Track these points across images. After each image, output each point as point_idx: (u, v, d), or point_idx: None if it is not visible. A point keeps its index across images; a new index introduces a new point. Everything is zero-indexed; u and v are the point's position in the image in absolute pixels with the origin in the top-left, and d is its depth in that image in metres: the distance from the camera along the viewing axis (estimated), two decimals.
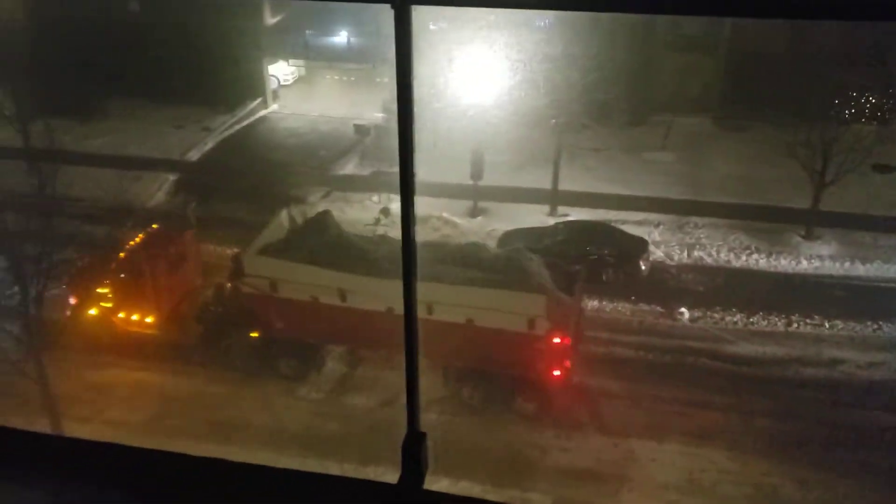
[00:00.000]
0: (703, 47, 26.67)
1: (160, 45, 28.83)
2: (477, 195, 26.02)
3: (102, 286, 19.19)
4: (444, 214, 25.61)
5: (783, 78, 24.32)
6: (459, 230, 25.39)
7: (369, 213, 26.19)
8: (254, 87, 33.06)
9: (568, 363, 17.53)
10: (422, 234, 27.57)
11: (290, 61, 34.43)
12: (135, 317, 19.44)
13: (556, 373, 17.45)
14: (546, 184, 25.96)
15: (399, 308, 3.05)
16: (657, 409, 18.19)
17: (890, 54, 23.71)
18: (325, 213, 20.68)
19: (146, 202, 26.25)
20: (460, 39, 23.72)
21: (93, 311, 19.36)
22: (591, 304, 21.74)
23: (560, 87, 24.11)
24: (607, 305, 21.86)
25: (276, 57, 33.62)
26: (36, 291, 16.88)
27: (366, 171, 28.37)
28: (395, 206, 26.29)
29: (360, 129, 28.91)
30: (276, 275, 18.33)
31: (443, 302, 16.37)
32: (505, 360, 17.38)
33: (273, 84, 33.84)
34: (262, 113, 33.19)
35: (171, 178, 27.90)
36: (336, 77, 34.84)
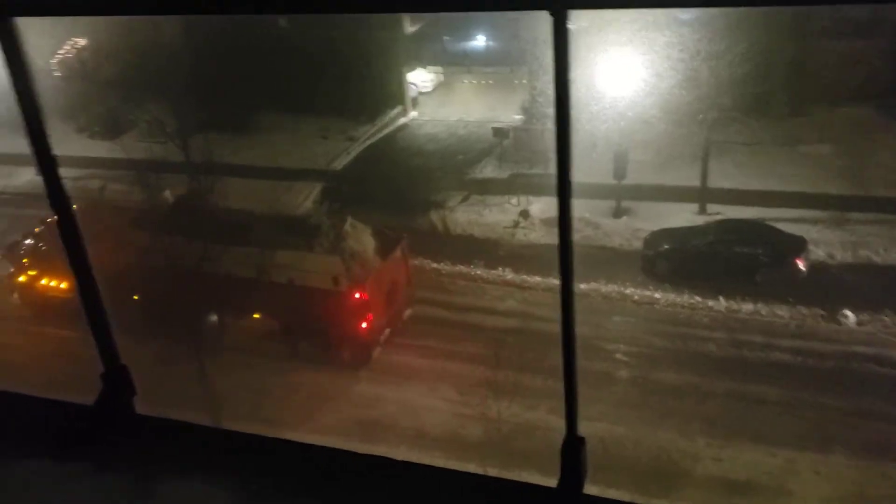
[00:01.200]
0: (866, 32, 24.78)
1: (307, 60, 30.02)
2: (620, 194, 25.37)
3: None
4: (586, 215, 25.13)
5: None
6: (602, 231, 24.86)
7: (508, 215, 26.16)
8: (394, 95, 33.79)
9: (371, 316, 20.00)
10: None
11: (429, 68, 34.96)
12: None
13: (363, 325, 20.01)
14: (694, 181, 24.96)
15: None
16: (821, 418, 17.01)
17: None
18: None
19: (295, 210, 27.36)
20: (603, 40, 23.21)
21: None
22: (746, 307, 20.71)
23: (708, 81, 23.15)
24: (762, 308, 20.74)
25: (414, 65, 34.24)
26: None
27: (504, 174, 28.31)
28: (534, 207, 26.11)
29: (499, 132, 28.90)
30: None
31: (274, 265, 19.77)
32: (322, 315, 19.86)
33: (412, 91, 34.47)
34: (403, 120, 33.86)
35: (319, 186, 28.95)
36: (474, 81, 35.07)
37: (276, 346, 20.44)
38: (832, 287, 21.11)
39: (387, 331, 20.71)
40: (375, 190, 27.28)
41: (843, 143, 25.94)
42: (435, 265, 24.10)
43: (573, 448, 2.77)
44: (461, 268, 23.92)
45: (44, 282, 22.42)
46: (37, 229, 22.58)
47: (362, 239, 20.85)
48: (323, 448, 2.94)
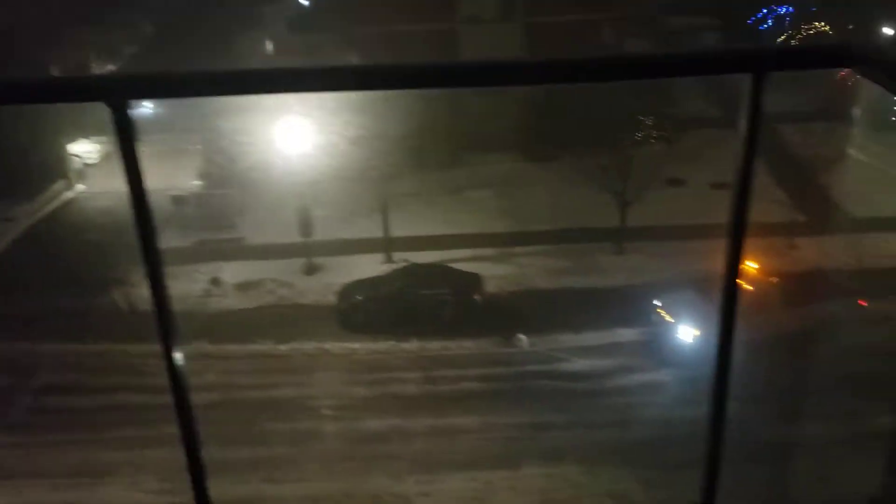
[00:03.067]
0: (501, 90, 28.32)
1: None
2: (309, 252, 25.96)
3: None
4: (279, 276, 25.35)
5: (578, 109, 26.26)
6: (296, 290, 25.18)
7: (198, 284, 25.39)
8: (56, 169, 31.29)
9: None
10: (256, 299, 27.03)
11: (92, 138, 32.90)
12: None
13: None
14: (377, 233, 26.36)
15: None
16: (508, 436, 18.82)
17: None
18: None
19: None
20: (283, 102, 23.75)
21: None
22: (435, 344, 22.26)
23: (377, 138, 24.70)
24: (450, 343, 22.43)
25: (76, 135, 32.04)
26: None
27: (188, 242, 27.48)
28: (225, 273, 25.71)
29: (178, 200, 28.08)
30: None
31: None
32: None
33: (76, 164, 32.19)
34: (69, 195, 31.45)
35: None
36: (145, 149, 33.22)
37: None
38: (506, 316, 23.52)
39: None
40: (41, 273, 24.89)
41: (500, 187, 29.23)
42: (123, 346, 22.62)
43: None
44: (153, 346, 22.45)
45: None
46: None
47: None
48: None
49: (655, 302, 22.22)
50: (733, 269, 2.34)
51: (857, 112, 29.68)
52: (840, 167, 26.33)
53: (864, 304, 22.10)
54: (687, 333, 20.92)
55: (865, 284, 22.40)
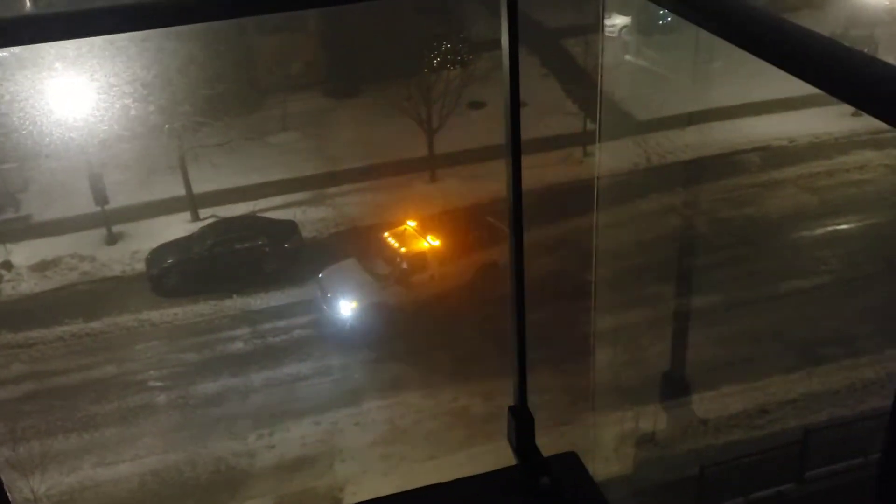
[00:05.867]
0: (292, 27, 27.45)
1: None
2: (108, 221, 24.25)
3: None
4: (79, 251, 23.58)
5: (372, 41, 26.01)
6: (100, 262, 23.56)
7: None
8: None
9: None
10: (57, 279, 25.10)
11: None
12: None
13: None
14: (179, 191, 25.04)
15: None
16: (346, 376, 18.99)
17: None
18: None
19: None
20: (47, 67, 21.55)
21: None
22: (260, 298, 21.77)
23: (165, 92, 23.21)
24: (275, 294, 21.98)
25: None
26: None
27: None
28: (17, 256, 23.57)
29: None
30: None
31: None
32: None
33: None
34: None
35: None
36: None
37: None
38: (329, 257, 23.34)
39: None
40: None
41: (304, 128, 28.56)
42: None
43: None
44: None
45: None
46: None
47: None
48: None
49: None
50: (516, 187, 2.48)
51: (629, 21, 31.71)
52: (618, 73, 27.99)
53: None
54: None
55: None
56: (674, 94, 27.78)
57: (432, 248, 21.43)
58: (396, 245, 21.47)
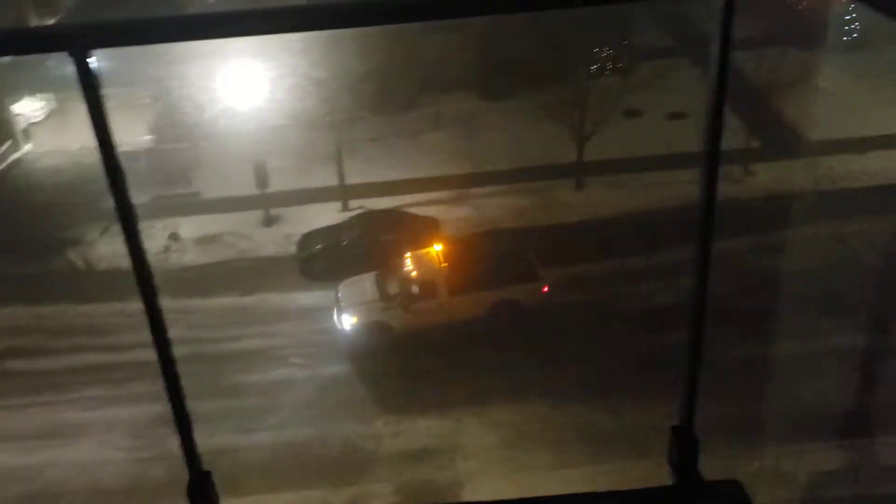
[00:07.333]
0: (455, 28, 27.95)
1: None
2: (266, 204, 25.75)
3: None
4: (238, 229, 25.18)
5: (531, 47, 26.07)
6: (256, 242, 25.06)
7: (157, 241, 25.07)
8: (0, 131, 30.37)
9: None
10: (216, 253, 26.76)
11: (38, 95, 31.89)
12: None
13: None
14: (333, 181, 26.19)
15: None
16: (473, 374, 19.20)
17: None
18: None
19: None
20: (222, 52, 23.20)
21: None
22: None
23: (328, 84, 24.32)
24: None
25: (19, 93, 31.04)
26: None
27: (144, 198, 26.99)
28: (184, 229, 25.44)
29: (130, 156, 27.48)
30: None
31: None
32: None
33: (22, 123, 31.24)
34: (15, 156, 30.60)
35: None
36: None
37: None
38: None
39: None
40: None
41: (455, 129, 29.09)
42: (83, 308, 22.45)
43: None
44: (115, 304, 22.47)
45: None
46: None
47: None
48: None
49: None
50: (710, 195, 2.44)
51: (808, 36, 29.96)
52: (793, 91, 26.50)
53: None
54: None
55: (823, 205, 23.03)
56: (853, 117, 26.15)
57: (446, 276, 20.49)
58: (411, 268, 20.88)
